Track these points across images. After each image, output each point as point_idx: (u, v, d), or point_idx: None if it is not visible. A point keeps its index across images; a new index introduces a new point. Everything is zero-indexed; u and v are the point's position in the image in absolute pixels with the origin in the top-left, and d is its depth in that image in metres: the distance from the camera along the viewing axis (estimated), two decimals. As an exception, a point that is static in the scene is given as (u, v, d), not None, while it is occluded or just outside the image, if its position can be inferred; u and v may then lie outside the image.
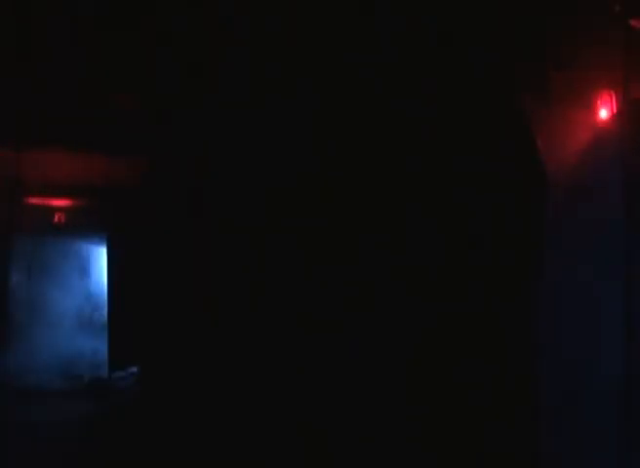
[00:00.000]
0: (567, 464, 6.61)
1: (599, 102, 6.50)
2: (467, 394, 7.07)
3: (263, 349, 8.07)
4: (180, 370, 8.21)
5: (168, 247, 8.61)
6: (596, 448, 6.38)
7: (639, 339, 6.27)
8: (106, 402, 9.67)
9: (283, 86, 7.68)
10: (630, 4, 6.32)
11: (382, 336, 7.60)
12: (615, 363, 6.29)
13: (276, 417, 7.81)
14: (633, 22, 6.33)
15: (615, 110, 6.46)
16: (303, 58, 7.45)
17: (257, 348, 8.10)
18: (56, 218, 10.41)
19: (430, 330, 7.36)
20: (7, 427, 8.03)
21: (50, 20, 7.43)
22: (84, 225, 10.68)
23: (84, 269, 11.15)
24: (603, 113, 6.49)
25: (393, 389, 7.48)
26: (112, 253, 10.21)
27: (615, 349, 6.31)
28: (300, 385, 7.81)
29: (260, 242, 8.27)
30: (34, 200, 10.04)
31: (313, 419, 7.67)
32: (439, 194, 7.38)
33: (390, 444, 7.31)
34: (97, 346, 10.98)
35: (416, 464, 7.16)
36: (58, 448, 7.77)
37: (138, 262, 9.14)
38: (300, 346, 7.91)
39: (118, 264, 9.94)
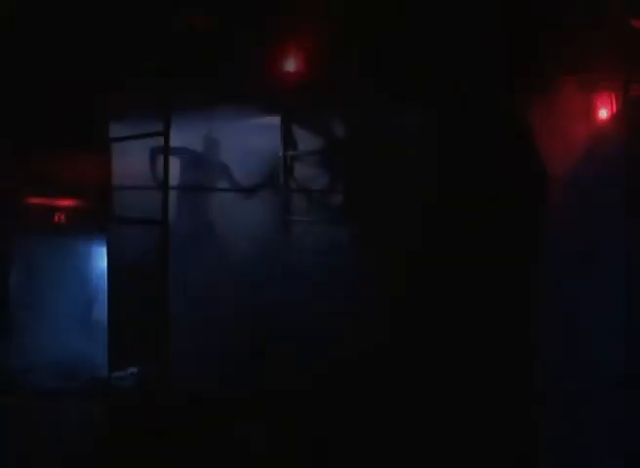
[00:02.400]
0: (567, 465, 6.61)
1: (599, 102, 6.51)
2: (466, 394, 7.07)
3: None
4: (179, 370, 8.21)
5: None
6: (596, 448, 6.40)
7: (639, 339, 6.29)
8: (106, 402, 9.65)
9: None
10: (630, 4, 6.33)
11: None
12: (614, 363, 6.31)
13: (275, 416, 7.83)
14: (633, 22, 6.34)
15: (615, 110, 6.47)
16: None
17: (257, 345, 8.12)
18: (56, 218, 10.40)
19: (430, 328, 7.36)
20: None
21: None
22: (84, 225, 10.67)
23: (84, 269, 11.14)
24: (603, 113, 6.50)
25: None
26: (112, 254, 10.20)
27: (615, 349, 6.32)
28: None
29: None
30: (34, 200, 10.04)
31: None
32: (437, 194, 7.38)
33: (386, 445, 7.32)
34: (96, 346, 10.97)
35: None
36: (57, 448, 7.77)
37: (138, 262, 9.14)
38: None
39: (118, 264, 9.93)
